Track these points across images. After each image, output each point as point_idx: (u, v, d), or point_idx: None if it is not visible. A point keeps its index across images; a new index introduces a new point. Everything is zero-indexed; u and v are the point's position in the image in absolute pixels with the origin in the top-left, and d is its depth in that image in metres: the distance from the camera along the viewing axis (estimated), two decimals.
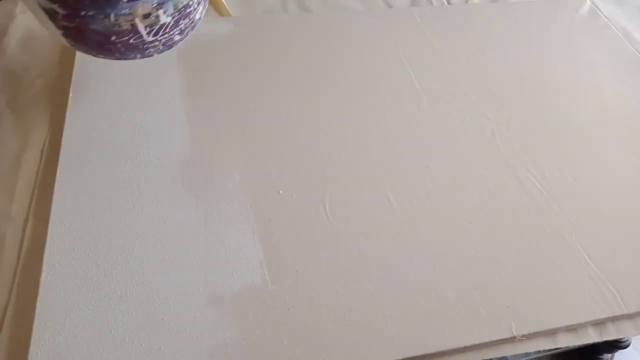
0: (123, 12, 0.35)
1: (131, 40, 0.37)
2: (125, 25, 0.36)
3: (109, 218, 0.37)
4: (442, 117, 0.47)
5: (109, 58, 0.39)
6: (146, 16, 0.36)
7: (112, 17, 0.35)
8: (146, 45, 0.38)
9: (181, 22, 0.39)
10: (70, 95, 0.45)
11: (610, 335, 0.36)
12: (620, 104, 0.51)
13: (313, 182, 0.40)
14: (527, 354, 0.35)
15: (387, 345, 0.32)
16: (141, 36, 0.37)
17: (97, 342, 0.31)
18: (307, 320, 0.33)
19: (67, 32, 0.37)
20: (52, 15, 0.36)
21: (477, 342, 0.33)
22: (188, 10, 0.39)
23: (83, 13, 0.35)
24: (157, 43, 0.38)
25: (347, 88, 0.48)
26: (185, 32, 0.40)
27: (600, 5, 0.64)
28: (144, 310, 0.32)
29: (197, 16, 0.41)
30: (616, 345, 0.43)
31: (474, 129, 0.46)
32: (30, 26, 0.52)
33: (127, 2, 0.35)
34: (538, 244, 0.38)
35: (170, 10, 0.37)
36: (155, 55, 0.39)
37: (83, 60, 0.48)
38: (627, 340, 0.42)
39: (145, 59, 0.40)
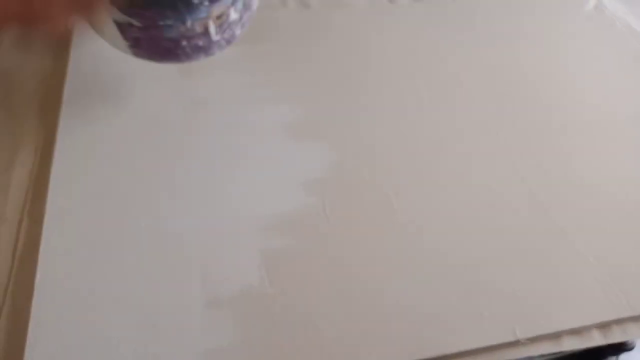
0: (200, 16, 0.35)
1: (200, 42, 0.37)
2: (199, 29, 0.36)
3: (103, 219, 0.36)
4: (444, 116, 0.47)
5: (171, 62, 0.39)
6: (219, 16, 0.36)
7: (189, 23, 0.35)
8: (211, 45, 0.38)
9: (244, 15, 0.39)
10: (64, 95, 0.44)
11: (615, 337, 0.35)
12: (626, 101, 0.51)
13: (312, 182, 0.40)
14: (531, 357, 0.34)
15: (388, 349, 0.32)
16: (209, 37, 0.37)
17: (93, 344, 0.30)
18: (306, 323, 0.32)
19: (137, 43, 0.35)
20: (124, 28, 0.35)
21: (480, 345, 0.32)
22: (251, 2, 0.39)
23: (161, 23, 0.35)
24: (222, 41, 0.38)
25: (347, 85, 0.48)
26: (246, 24, 0.40)
27: (606, 1, 0.63)
28: (139, 312, 0.32)
29: (255, 6, 0.40)
30: (621, 347, 0.42)
31: (477, 127, 0.46)
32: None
33: (206, 6, 0.34)
34: (542, 245, 0.38)
35: (240, 6, 0.37)
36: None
37: (78, 60, 0.47)
38: (632, 343, 0.42)
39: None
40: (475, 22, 0.57)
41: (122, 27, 0.35)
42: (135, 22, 0.34)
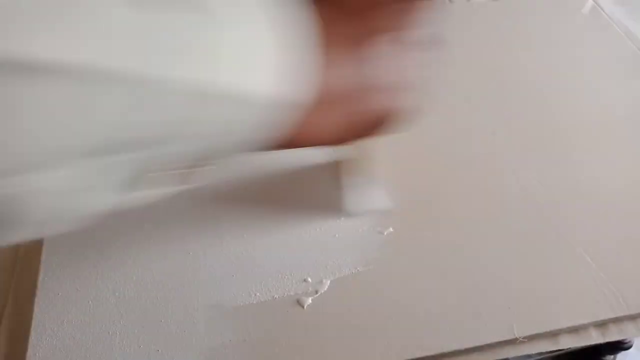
0: None
1: None
2: None
3: (107, 219, 0.36)
4: (442, 117, 0.47)
5: None
6: None
7: None
8: None
9: None
10: None
11: (612, 336, 0.35)
12: (622, 104, 0.51)
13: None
14: (528, 356, 0.34)
15: (387, 347, 0.32)
16: None
17: (95, 343, 0.31)
18: (306, 322, 0.33)
19: None
20: None
21: (478, 343, 0.33)
22: None
23: None
24: None
25: None
26: None
27: (603, 4, 0.63)
28: (142, 311, 0.32)
29: None
30: (618, 346, 0.42)
31: (475, 128, 0.46)
32: None
33: None
34: (539, 245, 0.38)
35: None
36: None
37: None
38: (629, 341, 0.42)
39: None
40: (471, 24, 0.57)
41: None
42: None
